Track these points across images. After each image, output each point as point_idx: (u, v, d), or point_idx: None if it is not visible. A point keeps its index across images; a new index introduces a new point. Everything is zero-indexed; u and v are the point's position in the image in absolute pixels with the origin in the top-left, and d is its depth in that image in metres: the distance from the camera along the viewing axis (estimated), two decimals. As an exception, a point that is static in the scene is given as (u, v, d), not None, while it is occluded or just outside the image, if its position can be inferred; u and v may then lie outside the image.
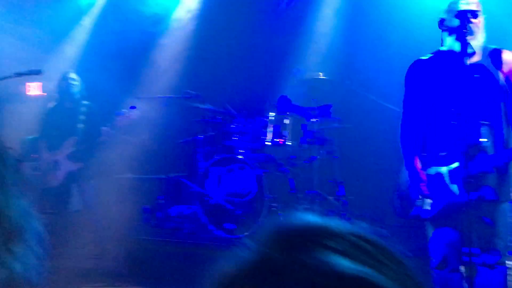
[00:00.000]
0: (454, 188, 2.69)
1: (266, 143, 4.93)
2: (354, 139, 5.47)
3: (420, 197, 2.85)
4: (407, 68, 2.96)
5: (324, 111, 5.51)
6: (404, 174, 2.98)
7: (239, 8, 6.74)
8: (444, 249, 2.72)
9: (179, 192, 5.70)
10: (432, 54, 2.88)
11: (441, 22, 2.79)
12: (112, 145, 5.12)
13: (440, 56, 2.82)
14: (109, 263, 4.86)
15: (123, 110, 4.98)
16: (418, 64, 2.88)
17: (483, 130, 2.62)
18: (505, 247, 2.70)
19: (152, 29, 6.69)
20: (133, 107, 5.00)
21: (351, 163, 5.56)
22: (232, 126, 5.02)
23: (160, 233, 5.04)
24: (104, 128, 5.02)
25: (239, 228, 4.56)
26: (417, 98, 2.87)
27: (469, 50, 2.62)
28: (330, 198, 4.98)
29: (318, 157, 4.94)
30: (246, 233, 4.51)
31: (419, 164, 2.79)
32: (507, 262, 2.76)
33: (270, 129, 4.94)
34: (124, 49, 6.42)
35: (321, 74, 4.88)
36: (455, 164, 2.67)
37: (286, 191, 4.89)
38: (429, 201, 2.78)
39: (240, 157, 4.72)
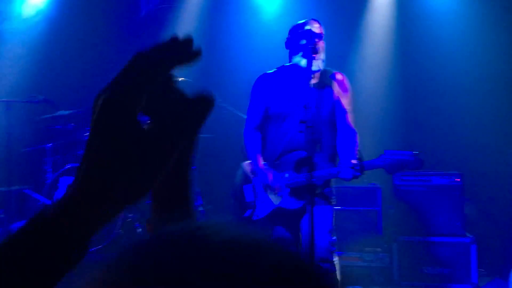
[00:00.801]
0: (283, 195, 2.89)
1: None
2: (211, 148, 5.57)
3: (253, 199, 3.00)
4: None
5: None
6: (239, 177, 3.13)
7: (94, 12, 6.47)
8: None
9: (23, 205, 5.20)
10: (276, 68, 3.08)
11: (288, 41, 3.00)
12: None
13: (284, 71, 3.03)
14: None
15: None
16: (262, 77, 3.07)
17: (315, 145, 2.80)
18: (330, 246, 2.92)
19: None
20: None
21: (209, 172, 5.64)
22: (85, 134, 4.75)
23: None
24: None
25: (92, 241, 4.31)
26: (259, 107, 3.05)
27: (313, 68, 2.84)
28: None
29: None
30: (100, 246, 4.29)
31: (262, 161, 2.97)
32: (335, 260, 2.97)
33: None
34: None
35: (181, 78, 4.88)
36: (286, 174, 2.88)
37: (143, 201, 4.77)
38: (261, 203, 2.95)
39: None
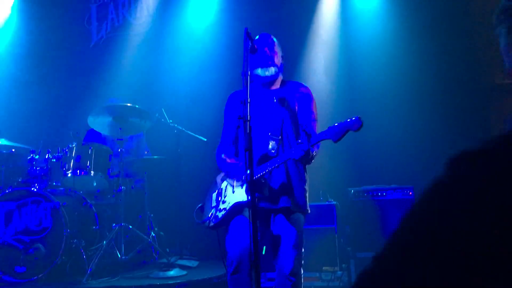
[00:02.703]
0: (243, 193, 2.82)
1: (67, 174, 4.55)
2: (164, 171, 5.41)
3: (213, 204, 2.92)
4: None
5: (136, 141, 5.39)
6: (211, 187, 3.06)
7: (46, 42, 6.46)
8: (238, 254, 2.76)
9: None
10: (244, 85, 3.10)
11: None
12: None
13: (251, 86, 3.03)
14: None
15: None
16: (233, 95, 3.15)
17: (272, 143, 2.85)
18: (299, 257, 2.82)
19: None
20: None
21: (161, 196, 5.47)
22: (28, 157, 4.53)
23: None
24: None
25: (32, 270, 4.03)
26: (231, 123, 3.07)
27: (265, 74, 2.91)
28: (139, 232, 4.75)
29: (124, 188, 4.71)
30: (40, 275, 4.01)
31: (228, 160, 2.96)
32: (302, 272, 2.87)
33: (72, 159, 4.59)
34: None
35: (128, 104, 4.76)
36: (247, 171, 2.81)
37: (90, 227, 4.54)
38: (221, 206, 2.86)
39: (33, 189, 4.24)
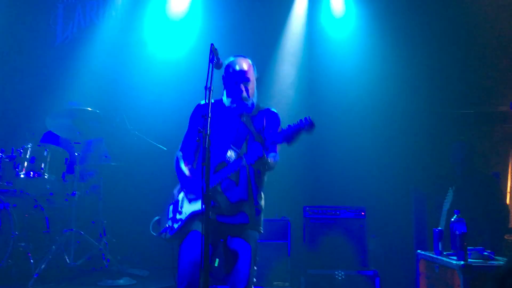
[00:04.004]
0: (197, 200, 2.85)
1: (20, 175, 4.43)
2: (121, 178, 5.35)
3: (170, 216, 2.93)
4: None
5: (94, 146, 5.32)
6: (170, 198, 3.06)
7: (10, 41, 6.31)
8: (189, 270, 2.76)
9: None
10: (213, 100, 3.12)
11: (222, 78, 3.07)
12: None
13: (216, 103, 3.07)
14: None
15: None
16: (197, 107, 3.16)
17: (230, 152, 2.88)
18: (252, 274, 2.82)
19: None
20: None
21: (116, 203, 5.40)
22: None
23: None
24: None
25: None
26: (193, 134, 3.08)
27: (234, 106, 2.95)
28: (91, 238, 4.67)
29: (78, 192, 4.63)
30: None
31: (186, 170, 2.97)
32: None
33: (26, 161, 4.48)
34: None
35: (89, 108, 4.71)
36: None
37: (40, 231, 4.43)
38: (178, 216, 2.87)
39: (-17, 188, 4.12)
